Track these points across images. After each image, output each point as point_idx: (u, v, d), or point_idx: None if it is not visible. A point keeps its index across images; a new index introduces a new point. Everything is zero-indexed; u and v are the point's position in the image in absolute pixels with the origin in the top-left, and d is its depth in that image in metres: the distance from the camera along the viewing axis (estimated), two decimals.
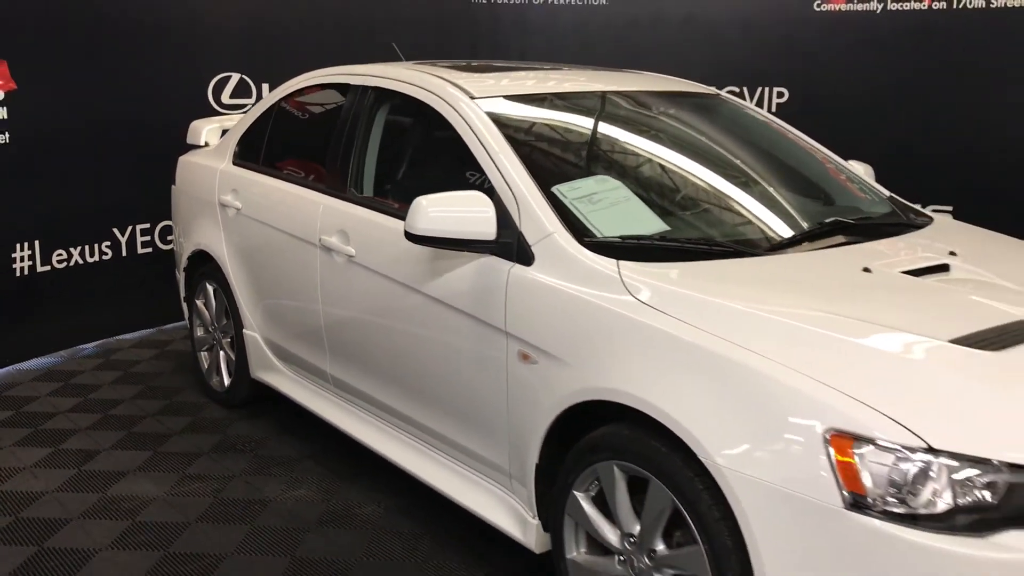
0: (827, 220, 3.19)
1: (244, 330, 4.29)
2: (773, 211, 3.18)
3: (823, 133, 6.56)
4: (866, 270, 2.72)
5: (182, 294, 4.88)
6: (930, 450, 2.02)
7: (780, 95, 6.92)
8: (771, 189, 3.36)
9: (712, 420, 2.26)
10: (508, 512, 2.96)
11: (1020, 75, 6.06)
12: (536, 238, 2.81)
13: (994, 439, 2.06)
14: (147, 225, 5.67)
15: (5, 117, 4.88)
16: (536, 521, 2.84)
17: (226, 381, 4.53)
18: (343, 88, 3.90)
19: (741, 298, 2.48)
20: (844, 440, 2.06)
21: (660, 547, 2.45)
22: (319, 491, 3.72)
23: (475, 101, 3.27)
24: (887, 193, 3.70)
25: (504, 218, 2.89)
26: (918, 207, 3.75)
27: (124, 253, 5.59)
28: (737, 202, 3.25)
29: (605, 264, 2.66)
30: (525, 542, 2.88)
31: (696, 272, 2.66)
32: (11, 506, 3.57)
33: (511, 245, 2.86)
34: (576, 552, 2.71)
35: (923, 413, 2.09)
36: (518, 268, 2.82)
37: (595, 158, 3.33)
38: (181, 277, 4.83)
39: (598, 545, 2.66)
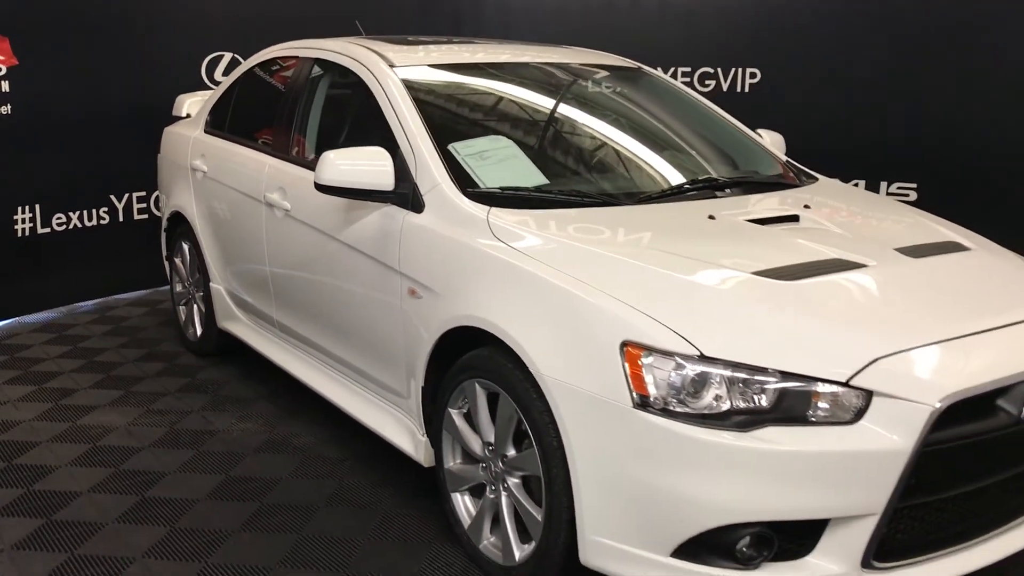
0: (701, 177, 3.51)
1: (211, 283, 4.72)
2: (653, 169, 3.51)
3: (794, 113, 6.82)
4: (711, 217, 3.05)
5: (163, 253, 5.32)
6: (703, 358, 2.35)
7: (752, 76, 7.18)
8: (662, 151, 3.68)
9: (541, 338, 2.61)
10: (405, 432, 3.33)
11: (994, 57, 6.26)
12: (427, 188, 3.18)
13: (769, 351, 2.39)
14: (143, 193, 6.11)
15: (7, 90, 5.34)
16: (424, 439, 3.22)
17: (199, 332, 4.96)
18: (293, 60, 4.30)
19: (581, 239, 2.83)
20: (635, 350, 2.41)
21: (511, 452, 2.81)
22: (264, 425, 4.13)
23: (393, 69, 3.64)
24: (784, 159, 3.99)
25: (403, 172, 3.26)
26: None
27: (121, 219, 6.05)
28: (622, 161, 3.58)
29: (477, 210, 3.02)
30: (416, 457, 3.25)
31: (555, 218, 3.01)
32: None
33: (407, 195, 3.23)
34: (452, 463, 3.08)
35: (703, 327, 2.42)
36: (411, 215, 3.19)
37: (495, 120, 3.67)
38: (163, 237, 5.28)
39: (468, 455, 3.03)
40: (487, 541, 2.95)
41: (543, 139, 3.66)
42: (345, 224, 3.47)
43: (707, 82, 7.28)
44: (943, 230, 3.27)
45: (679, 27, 7.31)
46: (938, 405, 2.32)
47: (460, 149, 3.31)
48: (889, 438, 2.32)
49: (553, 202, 3.14)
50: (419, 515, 3.33)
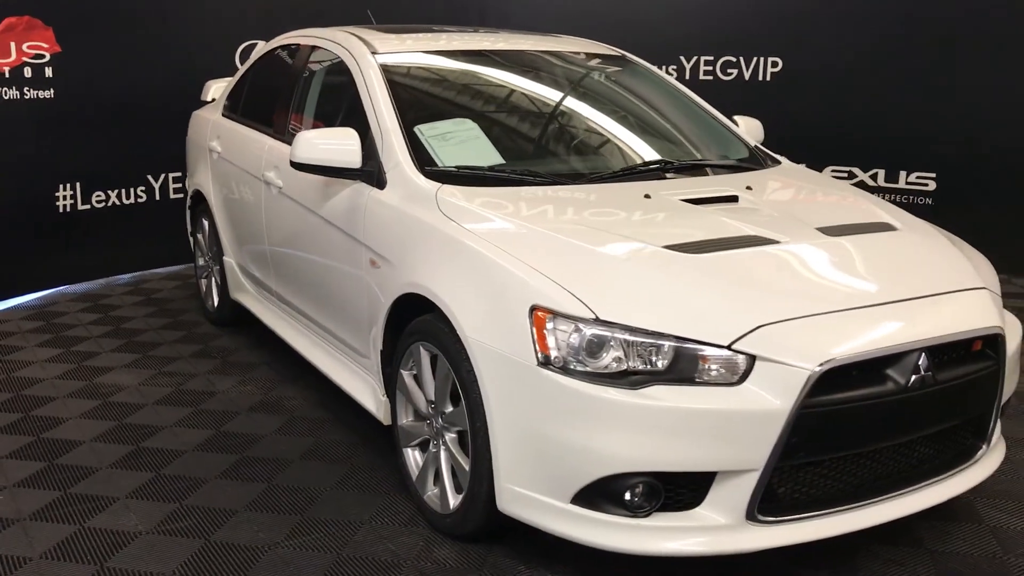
0: (653, 160, 3.69)
1: (224, 257, 5.05)
2: (610, 151, 3.71)
3: (815, 102, 6.87)
4: (647, 196, 3.24)
5: (188, 229, 5.68)
6: (598, 321, 2.56)
7: (774, 64, 7.26)
8: (625, 135, 3.87)
9: (468, 303, 2.85)
10: (369, 393, 3.60)
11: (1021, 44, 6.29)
12: (390, 167, 3.43)
13: (660, 317, 2.58)
14: (178, 174, 6.49)
15: (51, 76, 5.76)
16: (384, 399, 3.48)
17: (215, 303, 5.30)
18: (295, 47, 4.59)
19: (515, 214, 3.05)
20: (542, 313, 2.62)
21: (448, 409, 3.05)
22: (261, 387, 4.44)
23: (375, 55, 3.89)
24: (752, 143, 4.13)
25: (371, 150, 3.52)
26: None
27: (158, 197, 6.45)
28: (581, 143, 3.79)
29: (430, 187, 3.26)
30: (378, 416, 3.51)
31: (500, 195, 3.23)
32: (15, 387, 4.42)
33: (373, 173, 3.48)
34: (405, 420, 3.34)
35: (603, 294, 2.63)
36: (375, 191, 3.45)
37: (466, 104, 3.90)
38: (187, 214, 5.64)
39: (418, 413, 3.27)
40: (430, 492, 3.20)
41: (509, 122, 3.87)
42: (323, 200, 3.74)
43: (729, 71, 7.41)
44: (879, 211, 3.40)
45: (701, 15, 7.42)
46: (816, 370, 2.49)
47: (425, 130, 3.55)
48: (769, 399, 2.49)
49: (504, 180, 3.36)
50: (383, 470, 3.59)
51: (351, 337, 3.70)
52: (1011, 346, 2.97)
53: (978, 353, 2.85)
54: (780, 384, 2.50)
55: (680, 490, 2.59)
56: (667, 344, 2.54)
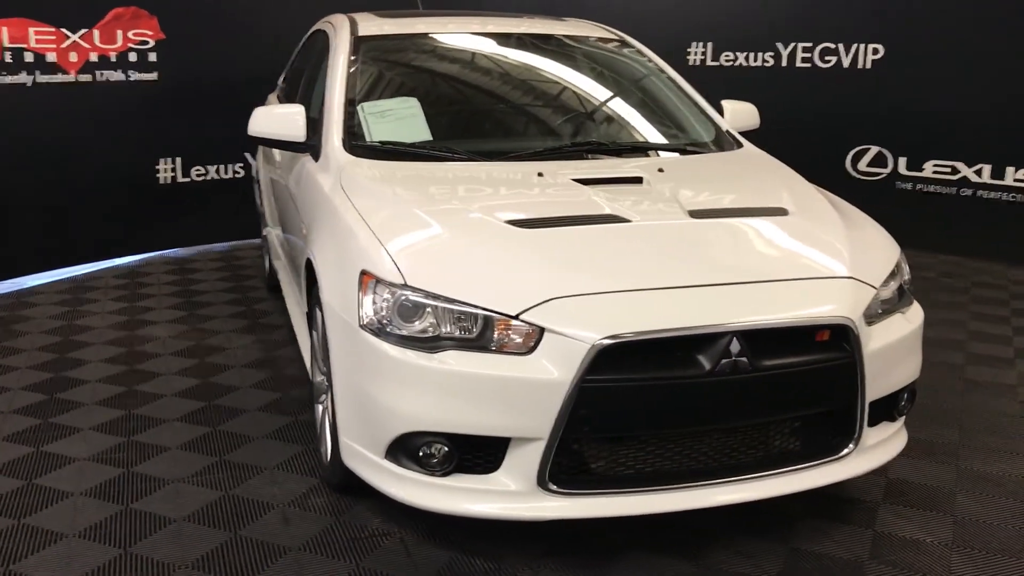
0: (576, 142, 3.74)
1: (264, 228, 5.47)
2: (543, 132, 3.78)
3: (918, 91, 6.48)
4: (540, 175, 3.30)
5: (257, 202, 6.17)
6: (406, 287, 2.68)
7: (875, 51, 6.90)
8: (571, 117, 3.93)
9: (330, 269, 3.05)
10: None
11: None
12: (326, 140, 3.67)
13: (463, 286, 2.68)
14: None
15: (155, 60, 6.40)
16: None
17: (267, 269, 5.75)
18: (318, 32, 4.91)
19: (394, 187, 3.22)
20: (367, 278, 2.78)
21: (327, 368, 3.25)
22: (266, 348, 4.80)
23: (354, 36, 4.12)
24: (725, 128, 4.04)
25: (317, 125, 3.77)
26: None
27: (254, 173, 6.99)
28: (517, 123, 3.88)
29: (344, 160, 3.47)
30: (311, 374, 3.77)
31: (402, 169, 3.40)
32: (68, 332, 5.01)
33: (316, 147, 3.73)
34: (315, 378, 3.56)
35: (422, 263, 2.76)
36: (310, 163, 3.70)
37: (421, 84, 4.06)
38: (255, 189, 6.12)
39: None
40: (323, 445, 3.42)
41: (456, 101, 4.01)
42: (289, 172, 4.04)
43: (827, 58, 7.11)
44: (784, 197, 3.28)
45: (800, 0, 7.15)
46: (598, 343, 2.50)
47: (366, 107, 3.76)
48: (551, 370, 2.54)
49: (418, 156, 3.52)
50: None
51: (301, 299, 3.97)
52: (880, 340, 2.82)
53: (826, 344, 2.73)
54: (564, 356, 2.53)
55: (479, 454, 2.68)
56: (476, 312, 2.63)
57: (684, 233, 2.95)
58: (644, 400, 2.59)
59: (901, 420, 3.13)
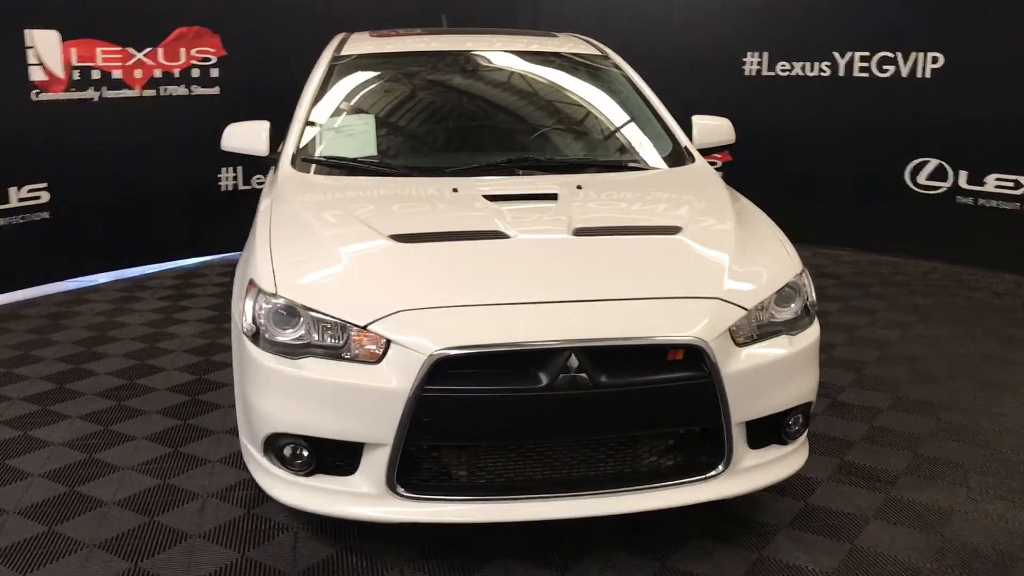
0: (521, 157, 3.81)
1: None
2: (481, 149, 3.88)
3: (980, 101, 6.22)
4: (455, 190, 3.41)
5: None
6: (276, 297, 2.85)
7: (935, 60, 6.63)
8: (511, 133, 4.04)
9: (239, 278, 3.26)
10: None
11: None
12: (281, 154, 3.90)
13: (323, 296, 2.84)
14: None
15: (217, 75, 6.84)
16: None
17: None
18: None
19: (313, 198, 3.41)
20: (252, 286, 2.97)
21: None
22: None
23: (337, 55, 4.34)
24: (684, 142, 4.03)
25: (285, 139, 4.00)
26: None
27: None
28: (459, 140, 4.01)
29: (286, 172, 3.69)
30: None
31: (332, 182, 3.58)
32: (105, 328, 5.45)
33: (277, 160, 3.96)
34: None
35: (296, 274, 2.92)
36: (270, 175, 3.93)
37: (389, 101, 4.23)
38: None
39: None
40: None
41: (409, 117, 4.15)
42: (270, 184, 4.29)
43: (885, 67, 6.87)
44: (685, 216, 3.26)
45: (856, 7, 6.93)
46: (434, 354, 2.61)
47: (325, 123, 3.96)
48: (393, 380, 2.65)
49: (354, 170, 3.70)
50: None
51: None
52: (750, 361, 2.80)
53: (682, 364, 2.73)
54: (405, 366, 2.65)
55: (338, 456, 2.82)
56: (336, 322, 2.78)
57: (557, 250, 3.01)
58: (483, 411, 2.67)
59: (796, 443, 3.08)
